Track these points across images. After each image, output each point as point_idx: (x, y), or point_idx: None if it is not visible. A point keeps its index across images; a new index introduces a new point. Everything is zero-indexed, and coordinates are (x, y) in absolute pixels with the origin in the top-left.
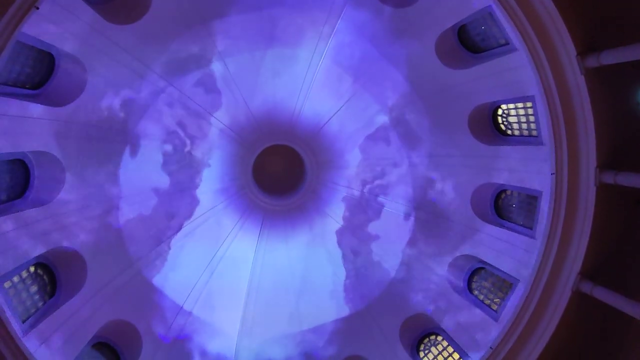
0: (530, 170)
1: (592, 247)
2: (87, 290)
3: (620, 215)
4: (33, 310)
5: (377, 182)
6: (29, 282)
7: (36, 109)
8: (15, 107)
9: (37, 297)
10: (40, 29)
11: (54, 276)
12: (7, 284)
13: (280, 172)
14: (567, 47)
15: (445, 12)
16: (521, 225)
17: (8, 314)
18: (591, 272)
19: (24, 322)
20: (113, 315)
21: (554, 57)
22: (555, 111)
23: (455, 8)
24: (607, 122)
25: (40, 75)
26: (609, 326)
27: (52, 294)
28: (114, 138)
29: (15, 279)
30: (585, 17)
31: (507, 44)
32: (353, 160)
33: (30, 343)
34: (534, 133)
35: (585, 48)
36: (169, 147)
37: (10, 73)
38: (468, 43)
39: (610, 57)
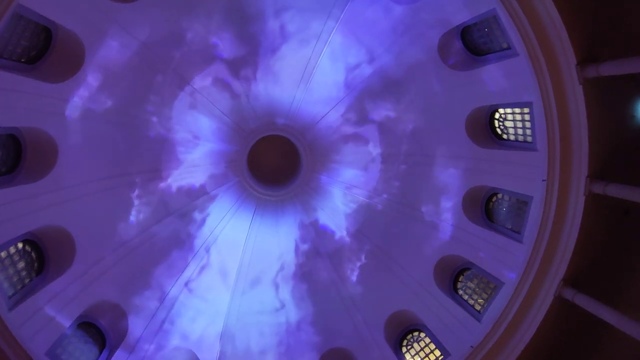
0: (522, 176)
1: (577, 255)
2: (75, 269)
3: (607, 225)
4: (20, 287)
5: (371, 178)
6: (16, 258)
7: (30, 84)
8: (9, 80)
9: (24, 273)
10: (39, 2)
11: (42, 254)
12: None
13: (275, 163)
14: (567, 56)
15: (451, 12)
16: (510, 229)
17: None
18: (574, 279)
19: (10, 297)
20: (100, 296)
21: (554, 65)
22: (551, 119)
23: (461, 9)
24: (602, 133)
25: (36, 50)
26: (589, 333)
27: (39, 272)
28: (108, 119)
29: (3, 254)
30: (588, 27)
31: (508, 48)
32: (348, 155)
33: (15, 319)
34: (529, 139)
35: (586, 58)
36: (164, 131)
37: (7, 45)
38: (470, 45)
39: (609, 69)
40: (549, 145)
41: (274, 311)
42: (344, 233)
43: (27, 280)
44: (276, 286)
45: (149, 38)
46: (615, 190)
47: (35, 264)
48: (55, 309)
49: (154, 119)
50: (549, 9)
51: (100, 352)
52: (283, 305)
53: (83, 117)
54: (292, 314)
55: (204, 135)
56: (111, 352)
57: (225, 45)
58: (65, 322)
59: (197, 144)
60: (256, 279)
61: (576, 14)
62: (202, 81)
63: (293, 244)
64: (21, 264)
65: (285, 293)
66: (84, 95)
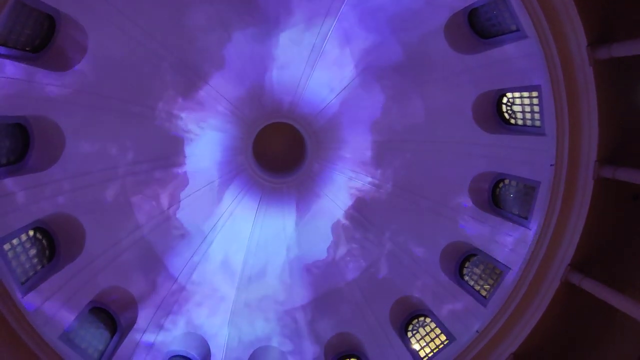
0: (530, 161)
1: (584, 239)
2: (86, 256)
3: (616, 209)
4: (32, 273)
5: (376, 165)
6: (28, 245)
7: (35, 73)
8: (14, 69)
9: (35, 260)
10: None
11: (52, 241)
12: (6, 246)
13: (281, 150)
14: (578, 37)
15: None
16: (517, 214)
17: (7, 275)
18: (581, 263)
19: (22, 283)
20: (110, 282)
21: (564, 47)
22: (560, 102)
23: None
24: (612, 116)
25: (40, 39)
26: (595, 317)
27: (50, 259)
28: (113, 107)
29: (15, 241)
30: (600, 6)
31: (517, 30)
32: (353, 142)
33: (28, 304)
34: (537, 123)
35: (597, 39)
36: (170, 119)
37: (10, 34)
38: (478, 27)
39: (621, 50)
40: (558, 130)
41: (279, 297)
42: (349, 220)
43: (39, 267)
44: (282, 272)
45: (153, 25)
46: (625, 175)
47: (47, 251)
48: (67, 295)
49: (160, 106)
50: None
51: (112, 337)
52: (288, 291)
53: (88, 105)
54: (298, 299)
55: (209, 123)
56: (122, 337)
57: (230, 32)
58: (78, 307)
59: (203, 132)
60: (262, 265)
61: None
62: (207, 69)
63: (298, 231)
64: (33, 251)
65: (291, 279)
66: (88, 83)
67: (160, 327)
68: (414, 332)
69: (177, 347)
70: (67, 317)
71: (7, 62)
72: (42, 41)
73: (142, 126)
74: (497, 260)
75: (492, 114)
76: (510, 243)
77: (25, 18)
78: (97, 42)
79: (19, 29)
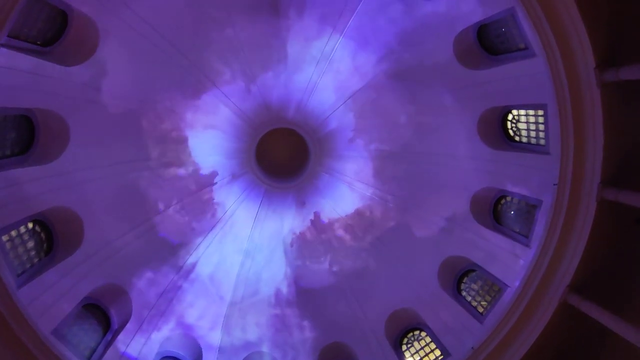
0: (532, 179)
1: (584, 261)
2: (83, 251)
3: (617, 232)
4: (28, 266)
5: (377, 176)
6: (26, 237)
7: (45, 67)
8: (24, 62)
9: (33, 253)
10: None
11: (51, 234)
12: (4, 238)
13: (283, 155)
14: (586, 58)
15: (467, 10)
16: (517, 232)
17: (4, 266)
18: (581, 285)
19: (18, 276)
20: (106, 279)
21: (572, 67)
22: (565, 122)
23: (478, 7)
24: (617, 138)
25: (51, 33)
26: (593, 341)
27: (48, 252)
28: (120, 104)
29: (13, 233)
30: (609, 29)
31: (526, 48)
32: (356, 152)
33: (23, 297)
34: (542, 142)
35: (605, 61)
36: (175, 118)
37: (22, 27)
38: (486, 44)
39: (629, 73)
40: (562, 149)
41: (274, 302)
42: (349, 228)
43: (35, 260)
44: (278, 278)
45: (163, 24)
46: (628, 198)
47: (45, 245)
48: (62, 290)
49: (165, 105)
50: (569, 9)
51: (105, 334)
52: (284, 297)
53: (94, 101)
54: (293, 306)
55: (213, 124)
56: (115, 334)
57: (241, 36)
58: (72, 302)
59: (207, 133)
60: (259, 269)
61: (597, 14)
62: (215, 70)
63: (298, 236)
64: (30, 244)
65: (287, 285)
66: (96, 79)
67: (153, 327)
68: (409, 345)
69: (169, 348)
70: (61, 312)
71: (17, 54)
72: (53, 36)
73: (147, 124)
74: (496, 277)
75: (497, 130)
76: (509, 260)
77: (38, 12)
78: (107, 39)
79: (31, 23)
